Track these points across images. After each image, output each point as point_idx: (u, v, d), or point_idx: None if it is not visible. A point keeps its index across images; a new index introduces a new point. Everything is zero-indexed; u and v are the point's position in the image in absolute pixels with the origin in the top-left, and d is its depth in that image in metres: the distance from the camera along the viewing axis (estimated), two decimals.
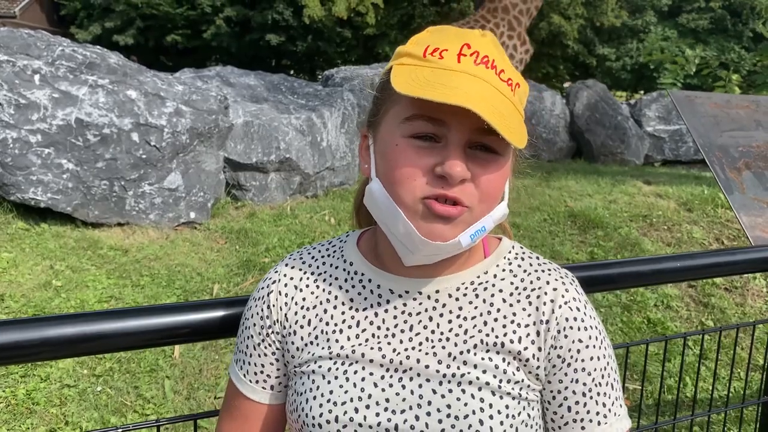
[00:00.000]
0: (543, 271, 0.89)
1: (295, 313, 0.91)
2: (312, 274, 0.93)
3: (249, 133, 5.15)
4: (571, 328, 0.85)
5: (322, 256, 0.95)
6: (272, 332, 0.92)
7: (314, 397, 0.84)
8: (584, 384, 0.85)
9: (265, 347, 0.92)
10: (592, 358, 0.85)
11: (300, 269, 0.94)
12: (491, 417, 0.79)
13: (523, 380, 0.83)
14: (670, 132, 8.55)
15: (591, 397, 0.86)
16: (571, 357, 0.85)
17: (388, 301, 0.88)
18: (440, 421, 0.79)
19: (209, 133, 4.60)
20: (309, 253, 0.96)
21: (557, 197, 5.39)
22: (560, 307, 0.85)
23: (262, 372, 0.93)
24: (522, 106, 0.83)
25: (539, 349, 0.84)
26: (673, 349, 3.57)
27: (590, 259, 4.39)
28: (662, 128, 8.65)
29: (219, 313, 1.08)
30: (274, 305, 0.92)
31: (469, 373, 0.81)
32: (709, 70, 6.48)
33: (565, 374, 0.85)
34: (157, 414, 2.83)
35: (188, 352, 3.22)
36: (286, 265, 0.95)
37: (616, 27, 27.26)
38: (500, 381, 0.82)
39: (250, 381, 0.94)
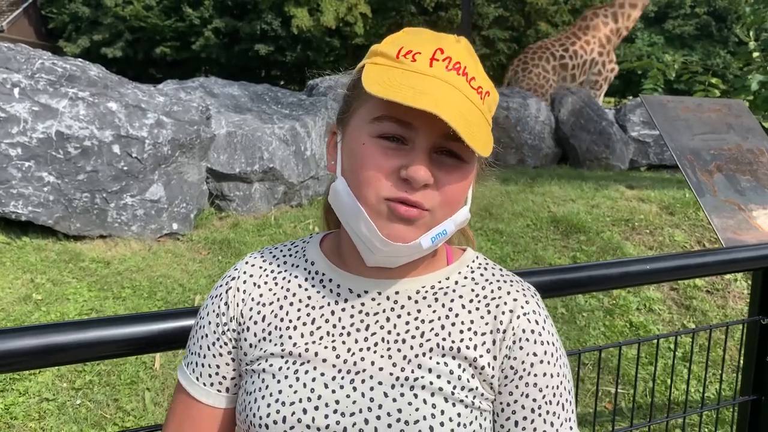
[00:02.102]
0: (505, 281, 0.89)
1: (251, 309, 0.89)
2: (272, 271, 0.92)
3: (232, 143, 5.15)
4: (527, 340, 0.84)
5: (284, 255, 0.94)
6: (228, 329, 0.90)
7: (263, 397, 0.82)
8: (534, 400, 0.84)
9: (221, 346, 0.90)
10: (545, 374, 0.84)
11: (260, 267, 0.93)
12: (442, 424, 0.78)
13: (477, 388, 0.82)
14: (654, 137, 8.61)
15: (539, 415, 0.84)
16: (524, 370, 0.84)
17: (346, 300, 0.87)
18: (390, 426, 0.78)
19: (191, 144, 4.61)
20: (270, 252, 0.95)
21: (540, 203, 5.42)
22: (518, 317, 0.85)
23: (217, 373, 0.90)
24: (491, 114, 0.84)
25: (494, 357, 0.83)
26: (654, 352, 3.59)
27: (573, 264, 4.40)
28: (647, 133, 8.71)
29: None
30: (231, 301, 0.90)
31: (422, 377, 0.80)
32: (689, 75, 6.54)
33: (516, 387, 0.84)
34: (138, 426, 2.82)
35: (169, 363, 3.21)
36: (246, 262, 0.94)
37: None
38: (454, 387, 0.80)
39: (204, 384, 0.90)
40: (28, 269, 3.91)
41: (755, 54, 5.31)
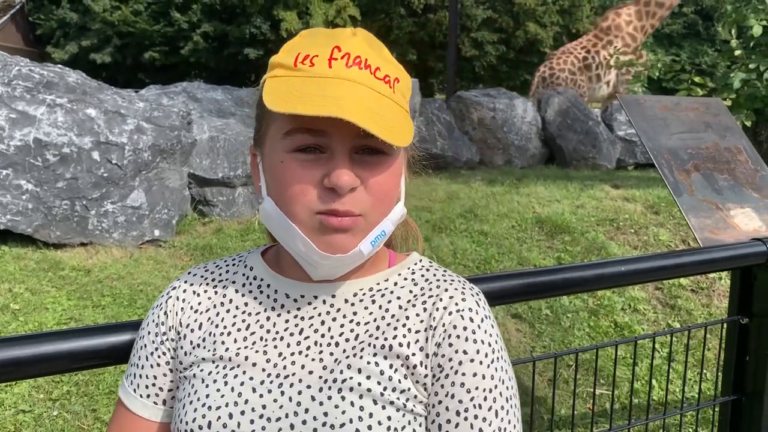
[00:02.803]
0: (445, 281, 0.86)
1: (189, 317, 0.88)
2: (213, 280, 0.91)
3: (215, 148, 5.12)
4: (458, 337, 0.79)
5: (226, 264, 0.93)
6: (167, 339, 0.88)
7: (190, 402, 0.80)
8: (460, 401, 0.78)
9: (159, 356, 0.88)
10: (475, 375, 0.79)
11: (202, 276, 0.92)
12: (370, 427, 0.74)
13: (409, 389, 0.78)
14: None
15: (465, 419, 0.78)
16: (451, 368, 0.79)
17: (282, 306, 0.85)
18: (315, 430, 0.74)
19: (172, 149, 4.57)
20: (214, 263, 0.94)
21: (525, 203, 5.40)
22: (450, 314, 0.81)
23: (154, 385, 0.88)
24: (405, 100, 0.81)
25: (426, 356, 0.79)
26: (641, 353, 3.57)
27: (557, 265, 4.39)
28: (633, 132, 8.72)
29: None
30: (170, 311, 0.89)
31: (351, 378, 0.77)
32: (672, 73, 6.56)
33: (442, 386, 0.79)
34: None
35: None
36: (189, 273, 0.93)
37: None
38: (384, 388, 0.77)
39: (141, 395, 0.88)
40: (6, 279, 3.86)
41: (737, 52, 5.31)
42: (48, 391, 3.01)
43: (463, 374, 0.79)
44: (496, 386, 0.80)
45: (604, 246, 4.56)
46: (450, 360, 0.79)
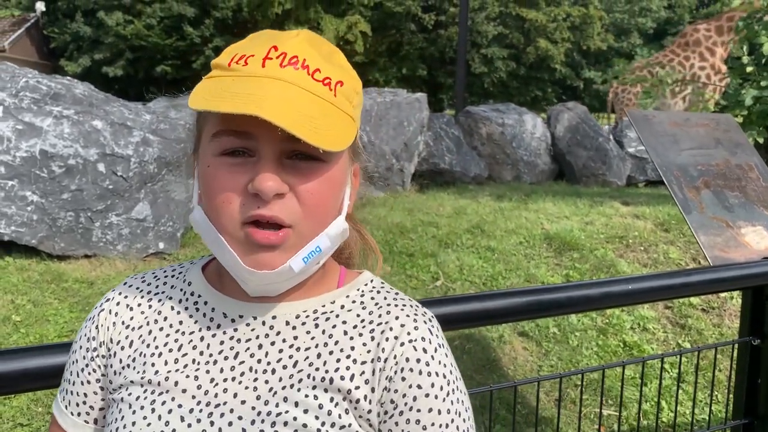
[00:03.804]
0: (396, 305, 0.80)
1: (119, 333, 0.82)
2: (148, 293, 0.84)
3: None
4: (411, 370, 0.74)
5: (166, 276, 0.87)
6: (97, 356, 0.82)
7: (116, 429, 0.75)
8: None
9: (89, 373, 0.82)
10: (431, 410, 0.74)
11: (137, 288, 0.85)
12: None
13: (350, 425, 0.72)
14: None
15: None
16: (405, 404, 0.73)
17: (219, 326, 0.79)
18: None
19: (178, 162, 4.56)
20: (153, 274, 0.88)
21: (534, 220, 5.34)
22: (402, 345, 0.75)
23: (84, 402, 0.83)
24: (350, 104, 0.76)
25: (372, 390, 0.73)
26: (650, 373, 3.50)
27: (566, 282, 4.32)
28: (644, 149, 8.66)
29: None
30: (102, 325, 0.83)
31: (287, 412, 0.71)
32: (684, 90, 6.51)
33: (396, 423, 0.73)
34: None
35: None
36: (125, 283, 0.87)
37: (603, 50, 27.55)
38: (323, 423, 0.71)
39: (72, 413, 0.83)
40: (9, 290, 3.84)
41: (749, 69, 5.26)
42: (47, 404, 2.98)
43: (418, 410, 0.74)
44: (453, 420, 0.75)
45: (613, 263, 4.49)
46: (404, 396, 0.74)
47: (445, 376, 0.76)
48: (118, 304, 0.84)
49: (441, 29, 25.34)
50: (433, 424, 0.74)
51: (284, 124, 0.65)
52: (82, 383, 0.83)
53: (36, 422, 2.87)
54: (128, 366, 0.79)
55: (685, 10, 30.33)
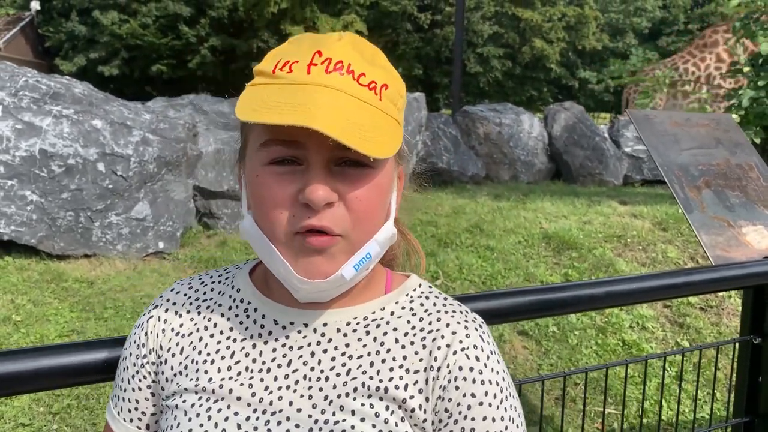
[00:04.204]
0: (446, 312, 0.80)
1: (170, 340, 0.82)
2: (196, 300, 0.85)
3: (220, 160, 5.11)
4: (465, 379, 0.74)
5: (213, 282, 0.87)
6: (147, 362, 0.83)
7: None
8: None
9: (140, 380, 0.83)
10: (485, 419, 0.74)
11: (185, 294, 0.86)
12: None
13: None
14: (648, 152, 8.59)
15: None
16: (460, 413, 0.74)
17: (270, 333, 0.79)
18: None
19: (177, 161, 4.56)
20: (200, 279, 0.88)
21: (532, 219, 5.36)
22: (455, 353, 0.75)
23: (136, 409, 0.83)
24: (395, 107, 0.75)
25: (426, 399, 0.74)
26: (650, 371, 3.52)
27: (564, 281, 4.34)
28: (641, 148, 8.69)
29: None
30: (151, 332, 0.83)
31: (344, 420, 0.72)
32: (681, 90, 6.54)
33: None
34: None
35: None
36: (172, 290, 0.87)
37: (598, 50, 27.62)
38: None
39: (124, 419, 0.84)
40: (9, 290, 3.84)
41: (746, 69, 5.29)
42: (48, 404, 2.98)
43: (473, 419, 0.74)
44: (506, 427, 0.76)
45: (611, 263, 4.51)
46: (458, 404, 0.74)
47: (498, 384, 0.76)
48: (166, 310, 0.84)
49: (437, 28, 25.37)
50: None
51: (335, 134, 0.65)
52: (133, 390, 0.84)
53: (37, 422, 2.87)
54: (180, 373, 0.80)
55: (679, 10, 30.40)
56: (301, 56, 0.72)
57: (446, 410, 0.74)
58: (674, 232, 4.97)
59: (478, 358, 0.76)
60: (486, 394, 0.75)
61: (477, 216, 5.47)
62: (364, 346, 0.77)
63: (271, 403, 0.74)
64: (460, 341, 0.77)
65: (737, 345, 2.05)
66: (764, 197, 2.54)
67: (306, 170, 0.70)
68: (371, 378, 0.74)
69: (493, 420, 0.75)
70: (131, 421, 0.84)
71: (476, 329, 0.79)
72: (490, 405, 0.75)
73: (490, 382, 0.76)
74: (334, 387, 0.74)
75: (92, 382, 0.99)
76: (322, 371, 0.76)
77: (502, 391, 0.76)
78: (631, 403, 3.29)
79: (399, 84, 0.77)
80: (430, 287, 0.86)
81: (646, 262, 4.60)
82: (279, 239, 0.72)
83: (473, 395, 0.74)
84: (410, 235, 0.93)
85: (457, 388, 0.74)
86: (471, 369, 0.75)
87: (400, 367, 0.75)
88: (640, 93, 6.71)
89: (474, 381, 0.75)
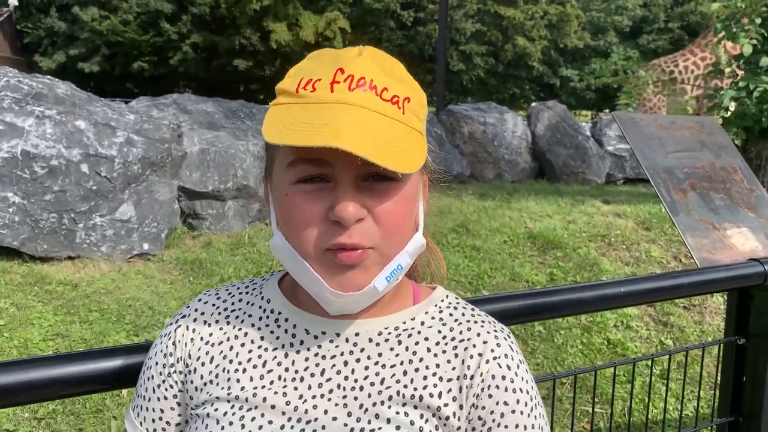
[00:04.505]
0: (476, 322, 0.82)
1: (199, 349, 0.82)
2: (225, 309, 0.85)
3: (205, 160, 5.07)
4: (497, 387, 0.77)
5: (240, 293, 0.88)
6: (174, 371, 0.83)
7: None
8: None
9: (166, 389, 0.83)
10: (517, 426, 0.77)
11: (213, 304, 0.86)
12: None
13: None
14: (630, 151, 8.66)
15: None
16: (493, 420, 0.76)
17: (302, 342, 0.80)
18: None
19: (162, 162, 4.52)
20: (227, 290, 0.89)
21: (517, 218, 5.39)
22: (488, 362, 0.77)
23: (161, 418, 0.83)
24: (418, 119, 0.77)
25: (460, 407, 0.76)
26: (635, 371, 3.55)
27: (549, 280, 4.37)
28: (623, 147, 8.77)
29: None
30: (179, 341, 0.83)
31: (380, 428, 0.73)
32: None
33: None
34: None
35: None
36: (200, 300, 0.88)
37: (579, 48, 27.81)
38: None
39: (147, 429, 0.84)
40: None
41: (727, 70, 5.35)
42: (33, 409, 2.94)
43: (506, 426, 0.76)
44: None
45: (596, 262, 4.55)
46: (491, 412, 0.76)
47: (528, 392, 0.79)
48: (195, 320, 0.85)
49: (420, 26, 25.38)
50: None
51: (364, 153, 0.65)
52: (158, 399, 0.83)
53: (22, 428, 2.84)
54: (211, 382, 0.80)
55: (660, 9, 30.70)
56: (323, 74, 0.73)
57: (479, 418, 0.76)
58: (657, 232, 5.03)
59: (509, 367, 0.78)
60: (518, 402, 0.77)
61: (463, 216, 5.49)
62: (397, 355, 0.78)
63: (305, 411, 0.75)
64: (492, 350, 0.79)
65: (722, 346, 2.08)
66: (748, 199, 2.58)
67: (334, 187, 0.72)
68: (405, 386, 0.76)
69: (525, 428, 0.77)
70: (154, 431, 0.84)
71: (505, 339, 0.81)
72: (521, 413, 0.77)
73: (521, 390, 0.78)
74: (369, 396, 0.75)
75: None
76: (356, 380, 0.77)
77: (531, 399, 0.79)
78: (617, 403, 3.33)
79: (420, 95, 0.78)
80: (456, 298, 0.88)
81: (630, 261, 4.64)
82: (310, 255, 0.73)
83: (506, 403, 0.76)
84: (431, 242, 0.95)
85: (490, 396, 0.76)
86: (503, 378, 0.77)
87: (434, 375, 0.77)
88: (623, 92, 6.76)
89: (506, 389, 0.77)
